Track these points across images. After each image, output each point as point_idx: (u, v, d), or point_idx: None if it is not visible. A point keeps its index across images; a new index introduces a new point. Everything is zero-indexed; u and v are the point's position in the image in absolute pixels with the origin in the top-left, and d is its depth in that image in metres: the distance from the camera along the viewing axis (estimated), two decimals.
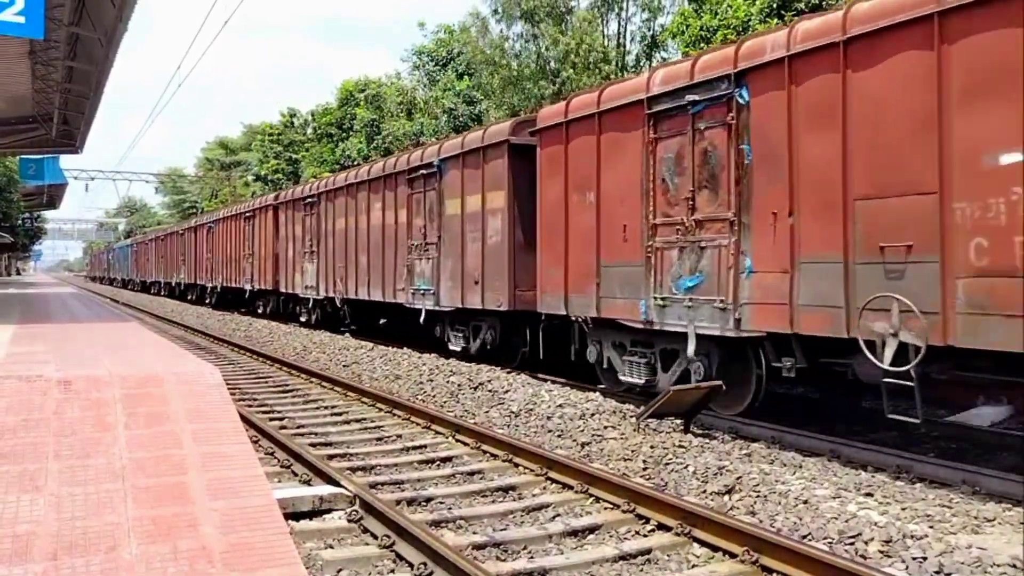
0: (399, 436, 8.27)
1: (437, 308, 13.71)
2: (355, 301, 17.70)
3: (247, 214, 25.97)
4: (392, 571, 4.65)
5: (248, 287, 25.44)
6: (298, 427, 8.72)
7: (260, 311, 25.55)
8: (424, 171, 14.21)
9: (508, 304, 11.67)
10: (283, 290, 22.43)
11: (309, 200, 20.28)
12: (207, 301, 31.71)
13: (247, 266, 25.54)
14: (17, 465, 4.12)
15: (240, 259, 26.47)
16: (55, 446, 4.33)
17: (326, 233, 19.08)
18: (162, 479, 4.15)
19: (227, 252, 28.27)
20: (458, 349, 13.37)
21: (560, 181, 10.45)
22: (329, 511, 5.54)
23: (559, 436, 7.89)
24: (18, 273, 77.19)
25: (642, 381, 9.33)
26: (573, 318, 10.37)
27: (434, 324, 14.29)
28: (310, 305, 20.53)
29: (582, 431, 7.91)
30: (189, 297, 35.79)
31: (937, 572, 4.42)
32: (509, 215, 11.74)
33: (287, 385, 11.71)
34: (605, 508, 5.73)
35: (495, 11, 26.37)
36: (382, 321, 18.23)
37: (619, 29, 26.05)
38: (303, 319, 21.01)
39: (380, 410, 9.59)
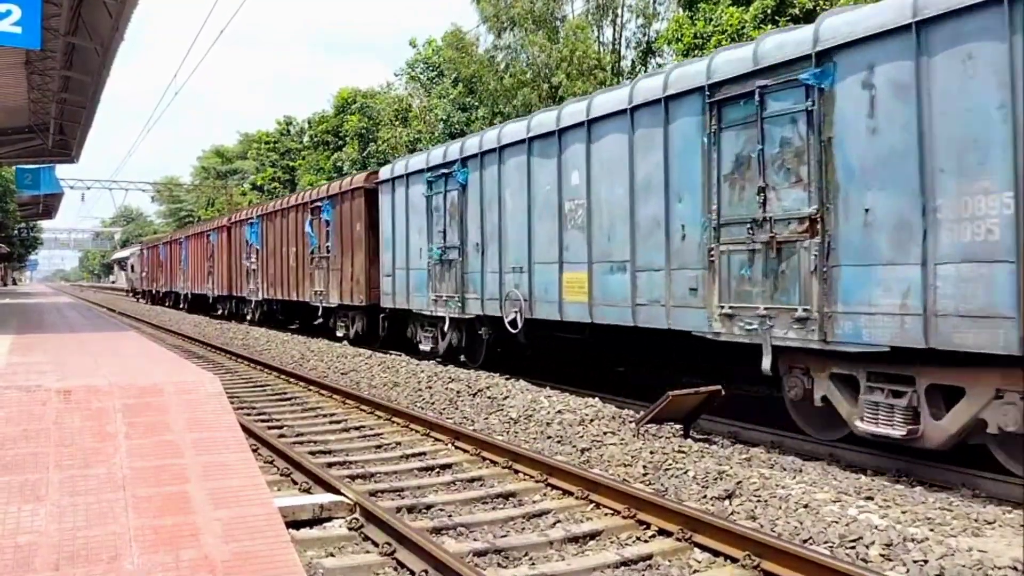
0: (398, 443, 8.27)
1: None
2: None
3: None
4: None
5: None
6: (297, 435, 8.72)
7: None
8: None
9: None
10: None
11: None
12: None
13: None
14: (18, 475, 4.11)
15: None
16: (56, 456, 4.32)
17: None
18: (163, 489, 4.15)
19: None
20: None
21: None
22: (330, 519, 5.55)
23: (559, 442, 7.89)
24: (14, 283, 76.97)
25: None
26: None
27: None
28: None
29: (582, 437, 7.91)
30: None
31: (938, 575, 4.43)
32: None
33: (285, 393, 11.71)
34: (606, 514, 5.73)
35: (485, 19, 26.40)
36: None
37: (614, 36, 26.13)
38: None
39: (379, 417, 9.59)
